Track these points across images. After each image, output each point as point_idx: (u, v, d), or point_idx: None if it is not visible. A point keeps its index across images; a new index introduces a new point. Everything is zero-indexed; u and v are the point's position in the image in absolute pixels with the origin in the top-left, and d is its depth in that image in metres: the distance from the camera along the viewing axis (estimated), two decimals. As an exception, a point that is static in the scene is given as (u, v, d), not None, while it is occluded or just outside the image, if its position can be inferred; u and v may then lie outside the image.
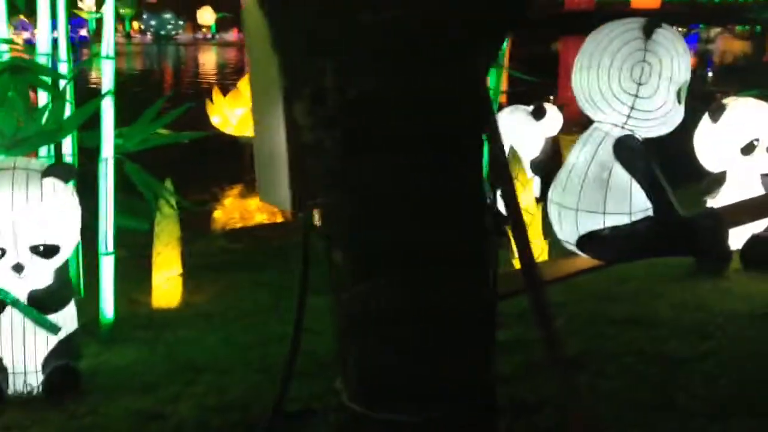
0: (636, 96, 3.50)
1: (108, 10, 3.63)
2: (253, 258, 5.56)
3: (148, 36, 38.43)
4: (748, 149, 4.39)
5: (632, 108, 3.51)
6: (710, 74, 21.59)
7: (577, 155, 3.68)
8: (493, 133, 1.75)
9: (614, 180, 3.51)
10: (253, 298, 4.43)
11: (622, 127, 3.56)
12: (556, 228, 3.77)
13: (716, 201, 4.43)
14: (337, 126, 1.62)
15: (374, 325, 1.77)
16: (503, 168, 1.77)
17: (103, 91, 3.63)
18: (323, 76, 1.59)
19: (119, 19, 29.14)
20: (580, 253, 3.65)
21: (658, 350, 3.32)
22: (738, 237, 4.41)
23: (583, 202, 3.53)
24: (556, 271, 3.70)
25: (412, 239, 1.68)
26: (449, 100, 1.62)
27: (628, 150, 3.53)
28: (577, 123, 6.10)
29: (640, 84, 3.48)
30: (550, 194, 3.93)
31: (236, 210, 8.17)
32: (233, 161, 9.21)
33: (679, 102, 3.61)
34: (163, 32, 38.94)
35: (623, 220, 3.49)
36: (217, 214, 7.95)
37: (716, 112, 4.43)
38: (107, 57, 3.63)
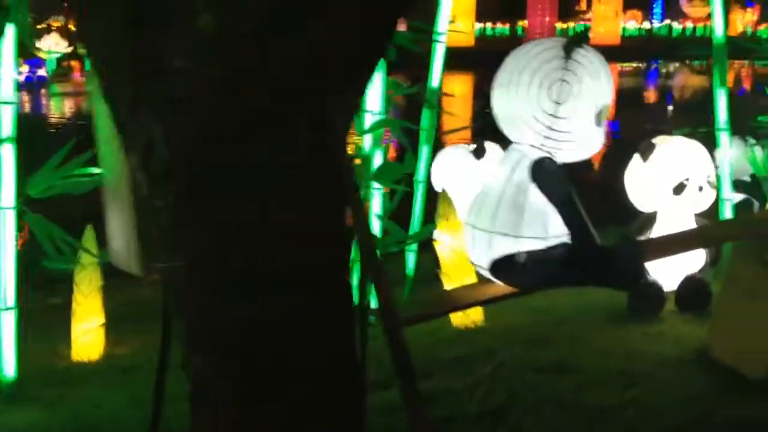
0: (554, 116, 3.31)
1: (6, 54, 3.47)
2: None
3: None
4: (679, 189, 4.32)
5: (550, 128, 3.30)
6: (670, 110, 21.81)
7: (493, 177, 3.47)
8: (345, 174, 1.61)
9: (530, 203, 3.30)
10: (178, 348, 4.22)
11: (540, 148, 3.35)
12: (469, 251, 3.53)
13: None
14: (167, 182, 1.48)
15: (223, 401, 1.62)
16: (360, 221, 1.64)
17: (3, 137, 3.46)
18: (150, 128, 1.46)
19: (79, 58, 28.93)
20: (492, 278, 3.41)
21: (580, 399, 3.19)
22: (672, 278, 4.33)
23: (498, 225, 3.30)
24: (470, 296, 3.50)
25: (252, 307, 1.53)
26: (284, 144, 1.48)
27: (544, 172, 3.30)
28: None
29: (558, 104, 3.29)
30: (465, 217, 3.71)
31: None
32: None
33: (599, 125, 3.42)
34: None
35: (538, 244, 3.27)
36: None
37: (646, 152, 4.36)
38: (5, 102, 3.47)
